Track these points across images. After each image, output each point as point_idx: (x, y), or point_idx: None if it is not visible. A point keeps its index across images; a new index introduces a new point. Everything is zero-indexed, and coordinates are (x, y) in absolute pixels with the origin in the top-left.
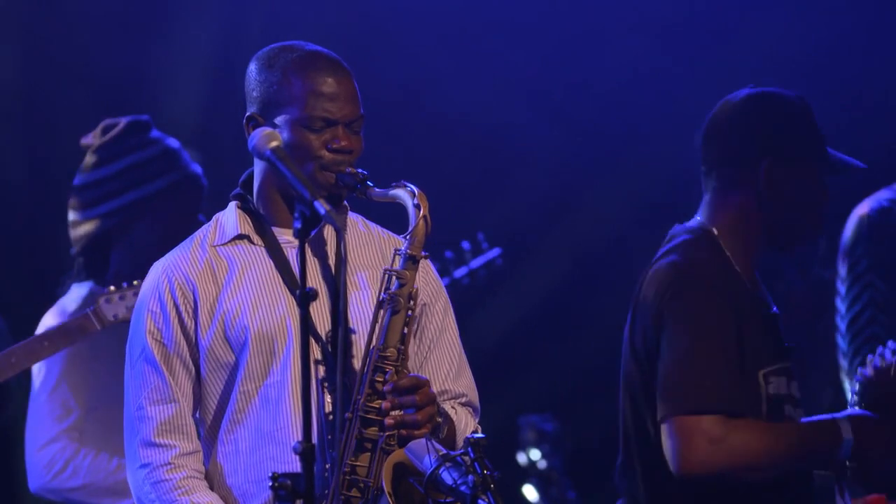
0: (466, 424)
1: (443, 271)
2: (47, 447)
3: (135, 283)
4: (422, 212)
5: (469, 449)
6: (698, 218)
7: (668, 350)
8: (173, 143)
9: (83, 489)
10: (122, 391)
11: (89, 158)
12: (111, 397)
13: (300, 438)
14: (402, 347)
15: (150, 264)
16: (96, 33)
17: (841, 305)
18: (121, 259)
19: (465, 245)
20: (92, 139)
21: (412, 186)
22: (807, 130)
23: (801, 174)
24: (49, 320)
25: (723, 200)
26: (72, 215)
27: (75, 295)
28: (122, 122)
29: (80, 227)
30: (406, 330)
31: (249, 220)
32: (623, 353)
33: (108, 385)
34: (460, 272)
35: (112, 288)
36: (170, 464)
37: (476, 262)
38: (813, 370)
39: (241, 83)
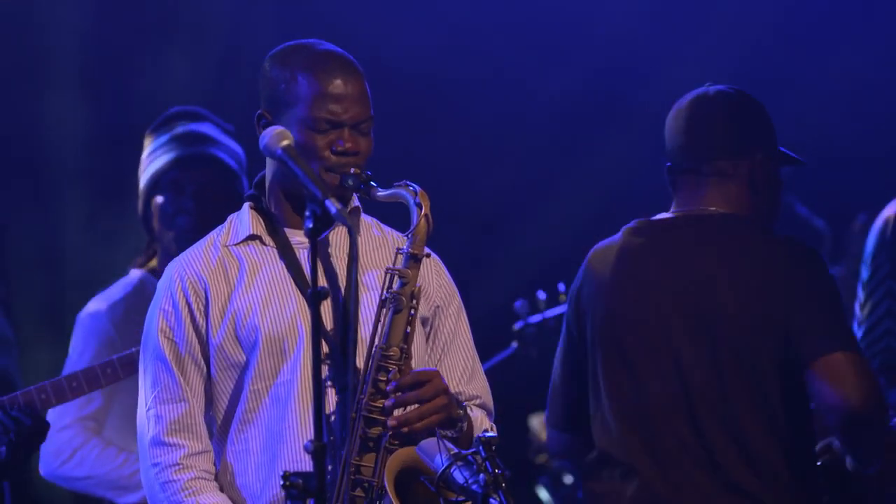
0: (482, 424)
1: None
2: (60, 433)
3: None
4: (423, 210)
5: (480, 448)
6: (707, 207)
7: (817, 302)
8: (205, 128)
9: (87, 480)
10: None
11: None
12: (137, 391)
13: (310, 437)
14: (405, 346)
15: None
16: (99, 31)
17: (859, 312)
18: (165, 247)
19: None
20: None
21: (414, 185)
22: (771, 125)
23: (776, 165)
24: (92, 306)
25: (723, 191)
26: None
27: (125, 282)
28: (172, 110)
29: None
30: (409, 329)
31: (262, 221)
32: (679, 332)
33: (136, 378)
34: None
35: None
36: (178, 464)
37: (550, 313)
38: None
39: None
